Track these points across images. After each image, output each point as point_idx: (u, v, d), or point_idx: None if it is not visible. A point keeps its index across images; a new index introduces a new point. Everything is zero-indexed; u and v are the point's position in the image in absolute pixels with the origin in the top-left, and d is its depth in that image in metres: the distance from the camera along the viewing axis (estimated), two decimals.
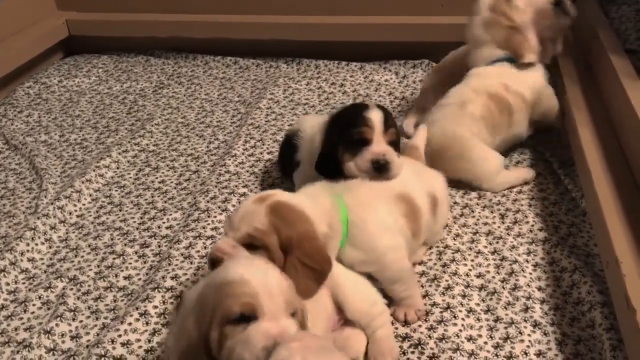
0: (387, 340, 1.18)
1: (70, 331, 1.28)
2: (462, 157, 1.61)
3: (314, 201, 1.22)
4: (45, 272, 1.48)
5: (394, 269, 1.25)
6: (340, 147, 1.35)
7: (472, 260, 1.41)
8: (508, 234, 1.49)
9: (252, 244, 1.11)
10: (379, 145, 1.33)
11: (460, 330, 1.22)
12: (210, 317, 0.93)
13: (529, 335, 1.21)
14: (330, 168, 1.37)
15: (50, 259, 1.52)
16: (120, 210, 1.68)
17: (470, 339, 1.20)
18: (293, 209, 1.16)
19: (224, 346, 0.92)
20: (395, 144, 1.36)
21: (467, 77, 1.74)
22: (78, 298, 1.37)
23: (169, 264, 1.42)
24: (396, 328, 1.23)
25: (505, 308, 1.28)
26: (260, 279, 0.95)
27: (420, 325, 1.24)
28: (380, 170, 1.32)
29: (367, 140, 1.33)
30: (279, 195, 1.19)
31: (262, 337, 0.90)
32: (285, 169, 1.66)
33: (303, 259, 1.12)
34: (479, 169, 1.62)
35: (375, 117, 1.34)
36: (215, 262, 1.09)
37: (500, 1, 1.74)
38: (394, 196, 1.30)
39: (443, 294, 1.31)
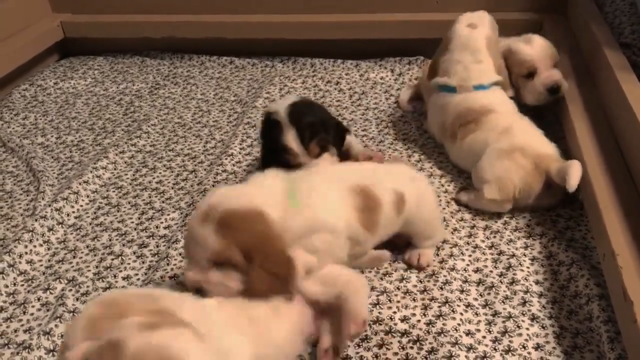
0: (356, 304, 1.15)
1: None
2: None
3: (262, 188, 1.18)
4: (44, 273, 1.48)
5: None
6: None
7: (470, 255, 1.41)
8: (505, 228, 1.49)
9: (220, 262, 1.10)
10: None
11: (459, 325, 1.22)
12: None
13: (527, 328, 1.22)
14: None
15: (49, 260, 1.52)
16: (118, 211, 1.68)
17: (468, 333, 1.21)
18: (241, 212, 1.10)
19: None
20: (323, 149, 1.42)
21: None
22: (77, 299, 1.37)
23: (168, 264, 1.42)
24: (395, 324, 1.23)
25: (503, 302, 1.28)
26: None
27: (419, 321, 1.24)
28: None
29: (296, 165, 1.41)
30: (222, 201, 1.11)
31: None
32: None
33: (265, 264, 1.09)
34: None
35: (292, 142, 1.44)
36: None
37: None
38: (348, 187, 1.25)
39: (441, 288, 1.32)
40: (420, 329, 1.22)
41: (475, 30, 1.70)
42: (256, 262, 1.08)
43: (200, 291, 1.11)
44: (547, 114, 1.83)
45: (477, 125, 1.61)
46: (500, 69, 1.71)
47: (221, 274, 1.10)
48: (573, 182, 1.38)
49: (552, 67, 1.74)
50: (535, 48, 1.73)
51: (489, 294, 1.30)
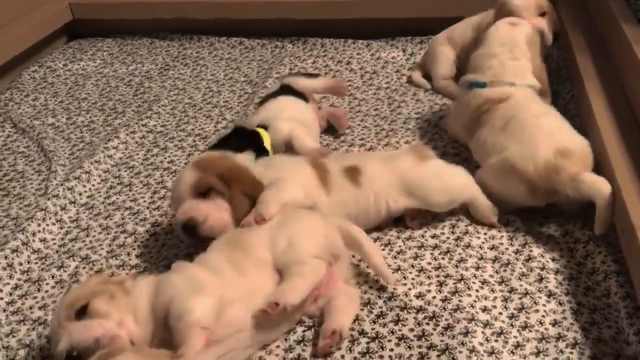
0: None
1: None
2: None
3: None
4: (57, 252, 1.48)
5: None
6: None
7: (485, 233, 1.40)
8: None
9: (204, 193, 1.27)
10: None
11: (475, 301, 1.21)
12: None
13: (543, 305, 1.21)
14: None
15: (62, 239, 1.52)
16: (130, 190, 1.68)
17: (485, 309, 1.20)
18: (214, 155, 1.37)
19: None
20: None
21: None
22: (91, 277, 1.37)
23: (182, 241, 1.42)
24: (410, 300, 1.23)
25: (520, 279, 1.27)
26: None
27: (434, 297, 1.23)
28: None
29: None
30: (200, 155, 1.47)
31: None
32: None
33: (240, 187, 1.28)
34: None
35: None
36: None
37: None
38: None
39: (456, 266, 1.31)
40: (436, 306, 1.21)
41: (516, 27, 1.62)
42: (233, 187, 1.27)
43: (189, 229, 1.25)
44: (562, 94, 1.81)
45: (488, 115, 1.50)
46: (538, 70, 1.60)
47: (212, 203, 1.26)
48: (598, 229, 1.29)
49: (538, 16, 1.74)
50: None
51: (504, 270, 1.29)
